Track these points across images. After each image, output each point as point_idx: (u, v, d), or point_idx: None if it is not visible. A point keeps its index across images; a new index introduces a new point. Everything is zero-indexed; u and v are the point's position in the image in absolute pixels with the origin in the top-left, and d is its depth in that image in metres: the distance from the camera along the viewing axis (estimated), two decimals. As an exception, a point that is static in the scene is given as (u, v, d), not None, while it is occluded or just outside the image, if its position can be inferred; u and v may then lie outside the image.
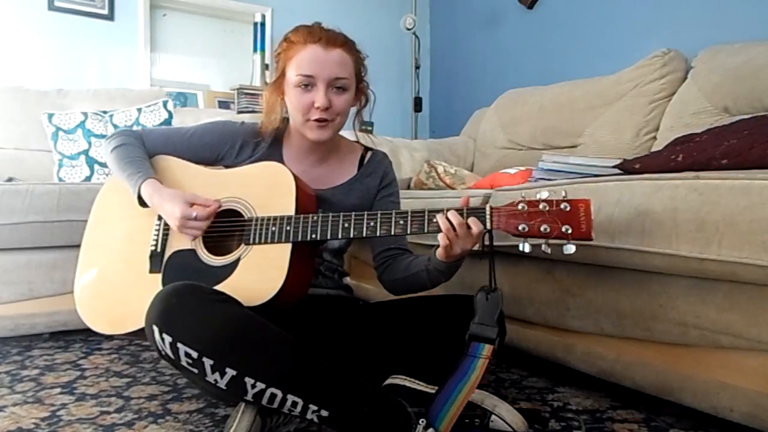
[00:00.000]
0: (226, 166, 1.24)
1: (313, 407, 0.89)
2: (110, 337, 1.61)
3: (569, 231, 0.91)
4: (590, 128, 2.07)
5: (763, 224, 0.87)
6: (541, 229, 0.93)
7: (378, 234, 1.02)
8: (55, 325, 1.70)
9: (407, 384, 1.04)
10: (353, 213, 1.04)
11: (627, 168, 1.28)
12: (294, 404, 0.89)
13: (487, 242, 1.00)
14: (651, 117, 1.90)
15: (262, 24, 3.21)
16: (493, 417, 1.02)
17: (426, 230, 1.00)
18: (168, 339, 0.89)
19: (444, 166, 2.13)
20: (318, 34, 1.13)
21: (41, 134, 2.26)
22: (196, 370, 0.89)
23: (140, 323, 1.01)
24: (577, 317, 1.24)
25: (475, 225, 0.97)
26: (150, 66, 3.02)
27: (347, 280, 1.34)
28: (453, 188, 2.03)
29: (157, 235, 1.16)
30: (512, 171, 1.87)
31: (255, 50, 3.20)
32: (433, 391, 1.03)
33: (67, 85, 2.56)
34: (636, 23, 2.37)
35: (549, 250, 0.93)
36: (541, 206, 0.94)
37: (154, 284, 1.11)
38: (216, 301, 0.93)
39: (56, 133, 2.23)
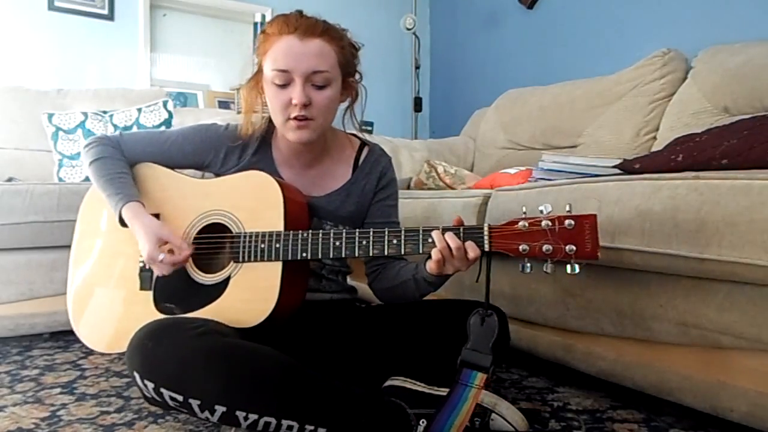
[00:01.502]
0: (215, 174, 1.19)
1: (309, 428, 0.87)
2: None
3: (573, 250, 0.87)
4: (590, 128, 2.07)
5: (763, 224, 0.87)
6: (544, 249, 0.88)
7: (371, 254, 0.98)
8: (55, 325, 1.70)
9: (407, 385, 1.04)
10: (344, 231, 1.00)
11: (627, 168, 1.28)
12: (290, 428, 0.87)
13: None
14: (651, 117, 1.90)
15: (262, 24, 3.21)
16: (493, 415, 1.01)
17: (421, 250, 0.96)
18: (151, 385, 0.87)
19: (444, 166, 2.13)
20: (294, 24, 1.03)
21: (41, 134, 2.27)
22: (185, 410, 0.87)
23: None
24: (577, 317, 1.24)
25: (472, 250, 0.92)
26: (150, 66, 3.02)
27: (351, 281, 1.32)
28: (453, 188, 2.03)
29: None
30: (512, 171, 1.86)
31: (255, 50, 3.20)
32: (433, 392, 1.03)
33: (67, 85, 2.56)
34: (636, 23, 2.37)
35: (551, 271, 0.89)
36: (543, 224, 0.88)
37: (145, 302, 1.09)
38: (195, 336, 0.88)
39: (56, 133, 2.23)
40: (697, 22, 2.13)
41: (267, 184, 1.07)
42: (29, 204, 1.66)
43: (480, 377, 0.90)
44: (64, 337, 1.73)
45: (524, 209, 0.92)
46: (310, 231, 1.02)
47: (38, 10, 2.74)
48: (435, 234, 0.94)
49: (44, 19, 2.75)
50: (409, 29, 3.25)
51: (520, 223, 0.90)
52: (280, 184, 1.07)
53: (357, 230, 1.00)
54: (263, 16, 3.22)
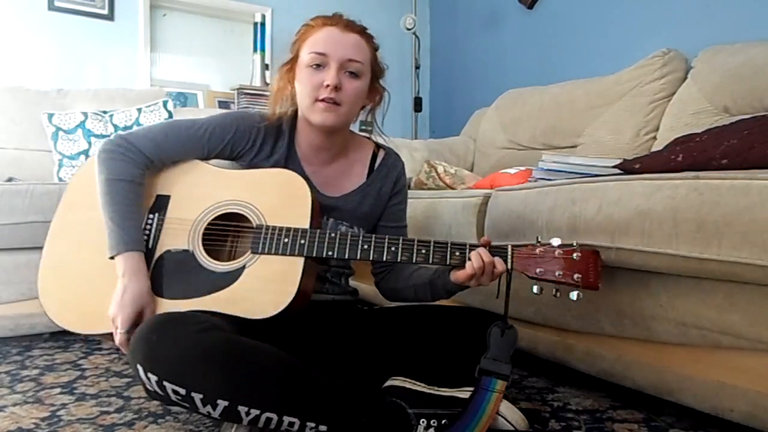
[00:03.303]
0: (247, 163, 1.17)
1: (310, 425, 0.88)
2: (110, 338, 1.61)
3: (580, 279, 0.98)
4: (590, 128, 2.07)
5: (763, 224, 0.87)
6: (556, 274, 1.00)
7: (399, 260, 1.02)
8: (55, 325, 1.69)
9: (407, 385, 1.04)
10: (374, 236, 1.03)
11: (627, 168, 1.28)
12: (291, 424, 0.87)
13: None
14: (651, 117, 1.90)
15: (262, 24, 3.21)
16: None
17: (448, 262, 1.03)
18: (154, 378, 0.86)
19: (444, 166, 2.13)
20: (337, 19, 1.12)
21: (41, 134, 2.27)
22: (187, 405, 0.87)
23: None
24: (577, 317, 1.24)
25: (500, 264, 1.01)
26: (150, 66, 3.02)
27: (352, 282, 1.32)
28: (453, 188, 2.03)
29: (150, 230, 1.09)
30: (512, 171, 1.86)
31: (255, 50, 3.20)
32: (433, 392, 1.03)
33: (67, 85, 2.56)
34: (636, 23, 2.37)
35: (558, 295, 1.00)
36: (556, 253, 1.00)
37: None
38: (199, 331, 0.88)
39: (56, 133, 2.23)
40: (697, 22, 2.13)
41: (296, 182, 1.09)
42: (29, 204, 1.66)
43: (501, 384, 0.96)
44: (64, 337, 1.73)
45: (539, 238, 1.04)
46: (338, 231, 1.04)
47: (38, 10, 2.73)
48: (473, 254, 1.01)
49: (44, 19, 2.75)
50: (409, 29, 3.24)
51: (537, 249, 1.02)
52: (309, 184, 1.09)
53: (386, 236, 1.04)
54: (263, 16, 3.22)
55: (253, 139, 1.16)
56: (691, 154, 1.16)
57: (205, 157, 1.16)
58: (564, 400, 1.24)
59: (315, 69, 1.09)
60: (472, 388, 1.00)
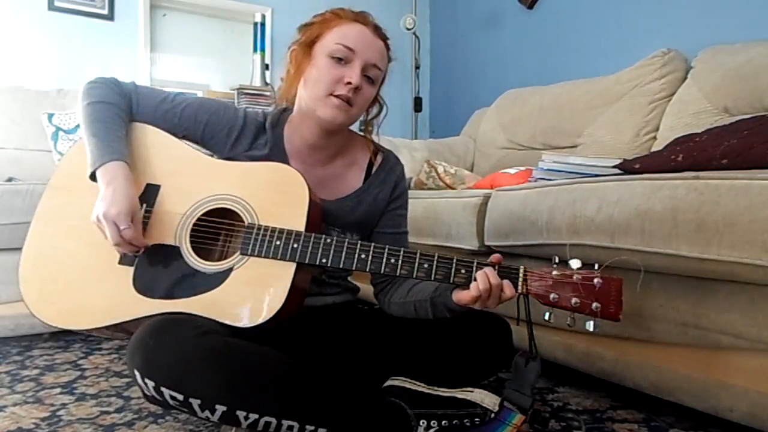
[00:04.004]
0: (223, 157, 1.12)
1: (309, 428, 0.87)
2: (110, 337, 1.61)
3: (598, 308, 0.89)
4: (590, 128, 2.07)
5: (763, 224, 0.87)
6: (572, 302, 0.90)
7: (397, 273, 0.94)
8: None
9: (407, 386, 1.04)
10: (372, 245, 0.96)
11: (627, 168, 1.28)
12: (290, 428, 0.87)
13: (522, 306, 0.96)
14: (651, 117, 1.90)
15: (262, 24, 3.21)
16: (494, 416, 1.01)
17: (452, 280, 0.94)
18: (151, 383, 0.85)
19: (444, 166, 2.13)
20: (366, 19, 1.09)
21: (41, 134, 2.27)
22: (185, 410, 0.86)
23: (100, 321, 0.96)
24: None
25: (509, 290, 0.93)
26: (150, 66, 3.02)
27: (352, 278, 1.29)
28: (453, 188, 2.03)
29: None
30: (512, 171, 1.87)
31: (255, 50, 3.20)
32: (433, 393, 1.03)
33: (67, 85, 2.56)
34: (636, 23, 2.37)
35: (573, 324, 0.91)
36: (574, 277, 0.91)
37: (123, 278, 0.98)
38: (197, 335, 0.86)
39: (56, 133, 2.23)
40: (697, 22, 2.13)
41: (293, 180, 1.01)
42: (29, 204, 1.66)
43: (518, 418, 0.92)
44: (64, 337, 1.73)
45: (556, 259, 0.94)
46: (335, 237, 0.97)
47: (38, 10, 2.74)
48: (479, 274, 0.93)
49: (44, 19, 2.75)
50: (409, 29, 3.24)
51: (553, 273, 0.92)
52: (308, 184, 1.02)
53: (386, 246, 0.96)
54: (263, 16, 3.23)
55: (229, 128, 1.12)
56: (691, 154, 1.16)
57: (176, 127, 1.11)
58: (564, 400, 1.24)
59: (337, 62, 1.04)
60: (472, 389, 1.00)
